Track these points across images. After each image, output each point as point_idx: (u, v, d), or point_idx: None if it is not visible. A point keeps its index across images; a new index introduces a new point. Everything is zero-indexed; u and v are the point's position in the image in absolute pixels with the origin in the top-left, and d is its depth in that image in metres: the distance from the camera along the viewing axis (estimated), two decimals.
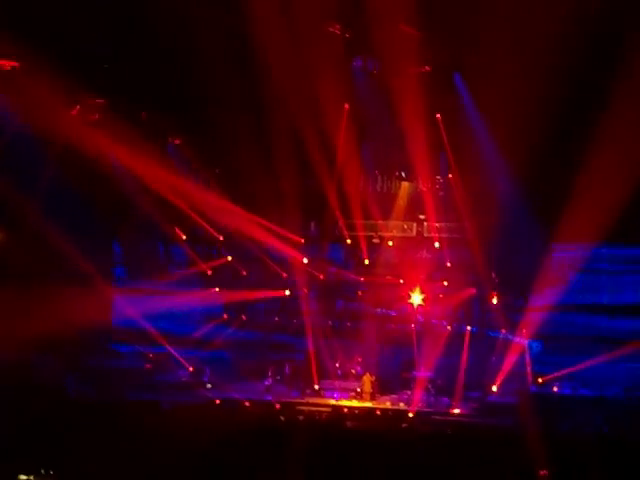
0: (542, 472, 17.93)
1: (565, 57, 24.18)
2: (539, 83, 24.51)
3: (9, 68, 25.84)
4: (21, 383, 23.62)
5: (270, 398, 27.60)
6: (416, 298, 29.96)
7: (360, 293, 31.72)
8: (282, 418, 24.95)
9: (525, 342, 28.85)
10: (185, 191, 29.46)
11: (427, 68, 26.75)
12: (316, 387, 28.94)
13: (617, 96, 24.72)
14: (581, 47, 23.87)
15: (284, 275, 31.47)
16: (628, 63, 24.25)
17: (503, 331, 29.73)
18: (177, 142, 30.50)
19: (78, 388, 25.80)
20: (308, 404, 27.33)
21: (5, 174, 26.46)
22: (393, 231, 31.01)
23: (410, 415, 25.96)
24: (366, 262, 30.80)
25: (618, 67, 24.39)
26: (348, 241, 30.86)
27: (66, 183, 27.44)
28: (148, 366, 29.73)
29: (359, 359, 29.86)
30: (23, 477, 17.58)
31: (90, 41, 25.71)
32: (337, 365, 30.08)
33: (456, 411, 26.96)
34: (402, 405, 27.48)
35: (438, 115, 28.09)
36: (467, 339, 29.67)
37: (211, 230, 30.49)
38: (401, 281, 30.59)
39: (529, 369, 28.40)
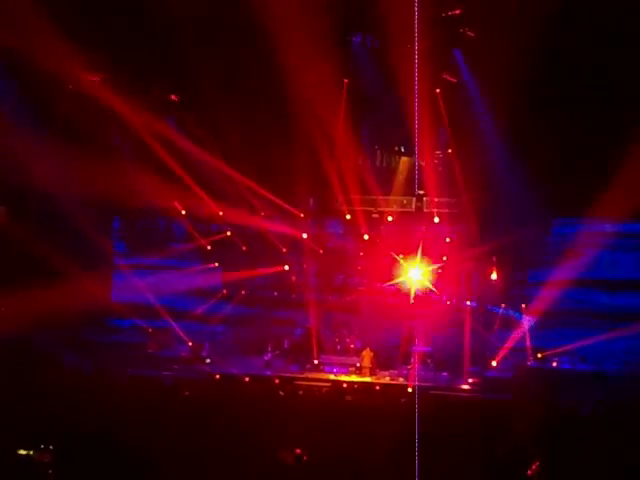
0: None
1: (567, 31, 24.15)
2: (539, 58, 24.49)
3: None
4: (21, 358, 23.72)
5: (269, 373, 27.71)
6: (415, 273, 29.94)
7: (359, 268, 31.73)
8: (281, 393, 25.05)
9: (524, 317, 28.95)
10: (185, 163, 29.41)
11: (427, 43, 26.58)
12: (315, 362, 28.99)
13: (617, 72, 24.72)
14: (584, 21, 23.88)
15: (284, 250, 31.46)
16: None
17: (502, 306, 29.80)
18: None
19: (78, 363, 25.88)
20: (307, 379, 27.43)
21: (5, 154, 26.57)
22: (392, 206, 30.95)
23: (409, 390, 26.01)
24: (365, 237, 30.74)
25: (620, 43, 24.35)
26: (347, 216, 30.78)
27: (66, 159, 27.44)
28: (148, 341, 29.79)
29: (358, 334, 29.92)
30: (23, 452, 17.65)
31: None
32: (336, 340, 30.17)
33: (455, 386, 27.02)
34: (401, 380, 27.56)
35: (438, 90, 27.97)
36: (466, 314, 29.69)
37: (211, 204, 30.41)
38: (400, 256, 30.58)
39: (528, 344, 28.44)
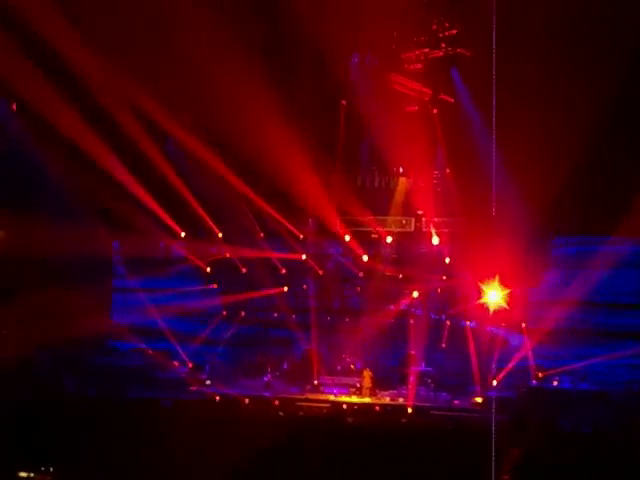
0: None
1: (565, 47, 24.29)
2: (538, 75, 24.61)
3: None
4: (20, 381, 23.63)
5: (269, 394, 27.63)
6: (415, 293, 29.99)
7: (359, 289, 31.70)
8: (281, 414, 24.99)
9: (525, 337, 28.89)
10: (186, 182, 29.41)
11: (424, 64, 26.71)
12: (315, 383, 28.94)
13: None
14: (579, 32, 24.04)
15: (283, 271, 31.44)
16: None
17: (503, 325, 29.73)
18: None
19: (77, 385, 25.81)
20: (307, 400, 27.32)
21: (10, 177, 26.63)
22: (391, 226, 30.94)
23: (409, 410, 25.97)
24: (364, 258, 30.73)
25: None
26: (347, 237, 30.76)
27: (66, 182, 27.51)
28: (147, 363, 29.71)
29: (358, 354, 29.86)
30: (23, 474, 17.59)
31: None
32: (336, 360, 30.11)
33: (456, 406, 26.95)
34: (401, 400, 27.47)
35: (435, 110, 28.05)
36: (467, 333, 29.66)
37: (211, 225, 30.41)
38: (400, 276, 30.60)
39: (529, 363, 28.38)
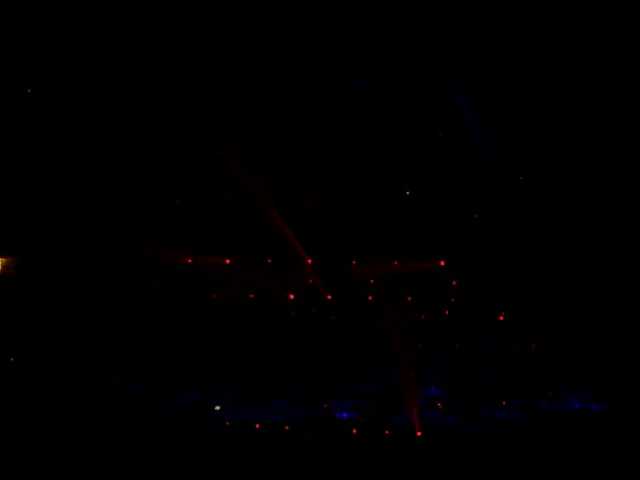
0: None
1: (569, 69, 24.39)
2: (544, 97, 24.70)
3: None
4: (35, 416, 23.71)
5: (279, 419, 27.60)
6: (422, 316, 29.99)
7: (367, 311, 31.66)
8: (291, 438, 24.98)
9: (534, 356, 28.86)
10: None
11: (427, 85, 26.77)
12: (325, 407, 28.91)
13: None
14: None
15: (291, 296, 31.39)
16: None
17: (512, 347, 29.71)
18: None
19: (84, 411, 25.80)
20: (317, 424, 27.29)
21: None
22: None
23: (419, 434, 25.91)
24: (371, 281, 30.73)
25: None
26: (353, 262, 30.78)
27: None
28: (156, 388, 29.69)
29: (368, 378, 29.81)
30: None
31: None
32: (345, 384, 30.07)
33: (466, 429, 26.88)
34: (411, 424, 27.42)
35: (440, 134, 28.13)
36: (476, 355, 29.62)
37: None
38: (409, 299, 30.58)
39: (539, 384, 28.33)
